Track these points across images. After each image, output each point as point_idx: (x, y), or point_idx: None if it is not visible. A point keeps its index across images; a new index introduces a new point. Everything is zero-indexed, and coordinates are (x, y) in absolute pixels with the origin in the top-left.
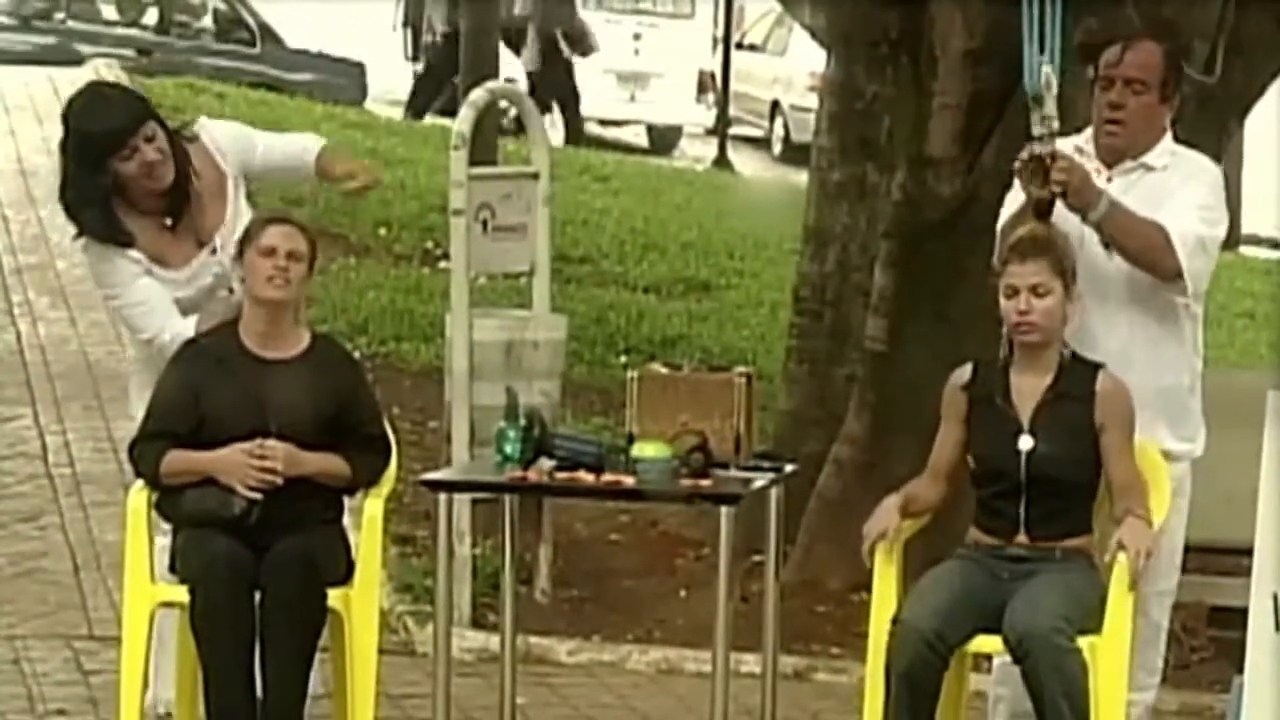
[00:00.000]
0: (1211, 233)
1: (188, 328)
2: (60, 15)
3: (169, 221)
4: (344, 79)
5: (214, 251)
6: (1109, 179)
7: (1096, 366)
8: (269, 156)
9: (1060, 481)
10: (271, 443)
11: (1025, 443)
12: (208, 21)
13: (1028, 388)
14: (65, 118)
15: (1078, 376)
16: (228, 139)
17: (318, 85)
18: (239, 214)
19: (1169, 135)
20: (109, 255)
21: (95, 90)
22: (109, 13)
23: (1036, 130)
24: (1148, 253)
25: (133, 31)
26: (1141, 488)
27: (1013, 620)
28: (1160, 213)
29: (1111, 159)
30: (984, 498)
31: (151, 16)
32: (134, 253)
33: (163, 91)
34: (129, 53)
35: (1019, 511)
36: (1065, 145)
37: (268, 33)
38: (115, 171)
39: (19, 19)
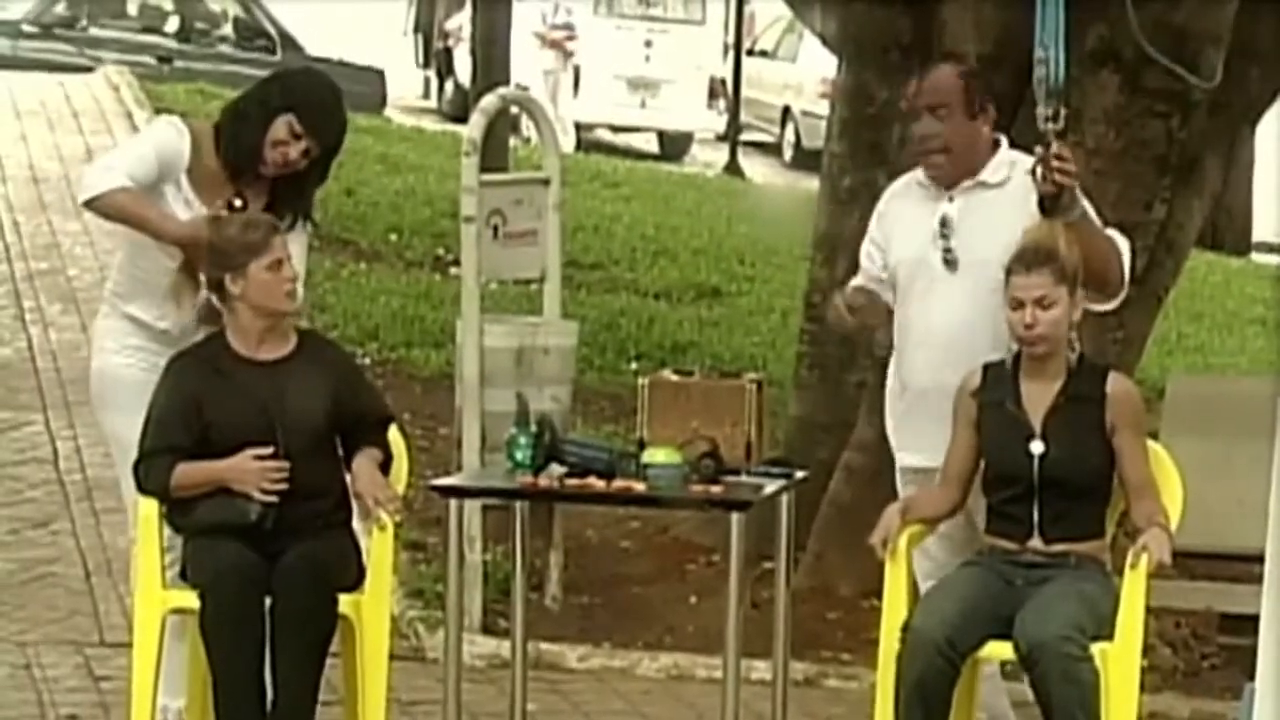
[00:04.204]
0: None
1: (118, 183)
2: (82, 23)
3: (237, 202)
4: (363, 86)
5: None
6: (950, 199)
7: (1106, 369)
8: None
9: (1072, 485)
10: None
11: (1036, 447)
12: (228, 29)
13: (1038, 392)
14: (301, 74)
15: (1088, 379)
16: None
17: None
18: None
19: (1003, 147)
20: (181, 143)
21: (332, 88)
22: (130, 21)
23: (1042, 126)
24: (1101, 261)
25: (153, 39)
26: (1156, 490)
27: (1023, 629)
28: (1004, 231)
29: (947, 183)
30: (996, 503)
31: (172, 25)
32: (184, 180)
33: (174, 97)
34: (150, 60)
35: (1032, 515)
36: (900, 183)
37: (288, 40)
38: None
39: (41, 27)
